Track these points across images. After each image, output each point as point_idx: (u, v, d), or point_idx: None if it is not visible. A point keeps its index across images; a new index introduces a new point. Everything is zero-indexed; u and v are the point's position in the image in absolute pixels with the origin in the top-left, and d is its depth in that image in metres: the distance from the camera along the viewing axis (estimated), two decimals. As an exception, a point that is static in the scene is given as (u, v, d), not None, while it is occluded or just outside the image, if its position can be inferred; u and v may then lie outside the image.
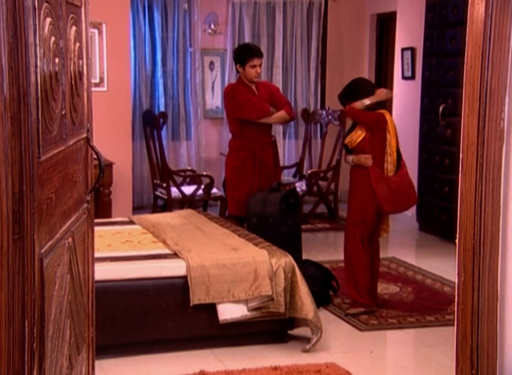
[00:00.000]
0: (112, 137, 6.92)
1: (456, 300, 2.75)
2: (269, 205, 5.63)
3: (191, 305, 4.37)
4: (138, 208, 8.12)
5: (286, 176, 8.61)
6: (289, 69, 9.33)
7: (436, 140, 7.49)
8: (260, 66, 5.96)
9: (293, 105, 9.35)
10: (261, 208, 5.64)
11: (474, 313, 2.68)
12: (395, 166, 5.12)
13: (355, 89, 5.19)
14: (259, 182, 6.00)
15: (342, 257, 5.66)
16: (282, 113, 5.99)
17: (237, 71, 6.12)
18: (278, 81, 9.21)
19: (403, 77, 8.40)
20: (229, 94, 6.00)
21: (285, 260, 4.56)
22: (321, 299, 5.27)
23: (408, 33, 8.28)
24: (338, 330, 4.93)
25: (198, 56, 8.95)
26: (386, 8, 8.94)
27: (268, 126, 6.07)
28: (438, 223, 7.47)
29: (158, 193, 7.77)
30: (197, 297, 4.37)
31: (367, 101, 5.10)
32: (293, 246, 5.52)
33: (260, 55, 5.96)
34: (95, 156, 2.85)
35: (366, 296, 5.17)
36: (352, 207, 5.28)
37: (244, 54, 5.95)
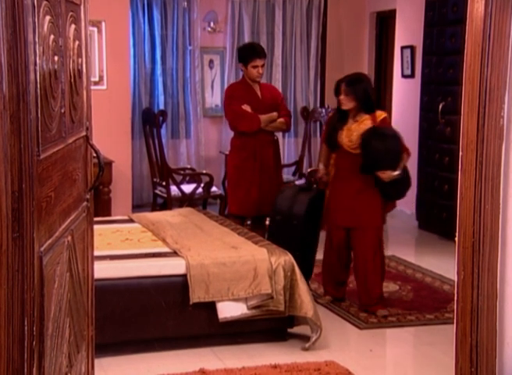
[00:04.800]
0: (112, 135, 6.92)
1: (455, 298, 2.75)
2: (297, 205, 5.46)
3: (191, 303, 4.37)
4: (138, 207, 8.11)
5: (286, 175, 8.60)
6: (288, 67, 9.32)
7: (436, 138, 7.49)
8: (262, 66, 5.97)
9: (292, 103, 9.37)
10: (288, 207, 5.49)
11: (473, 311, 2.68)
12: None
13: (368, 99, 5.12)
14: (259, 181, 5.99)
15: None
16: (280, 122, 6.04)
17: (241, 70, 6.16)
18: (277, 79, 9.21)
19: (403, 75, 8.40)
20: (228, 99, 6.06)
21: (284, 258, 4.56)
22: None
23: (408, 32, 8.28)
24: (337, 328, 4.93)
25: (198, 54, 8.94)
26: (386, 6, 8.94)
27: None
28: (437, 221, 7.47)
29: (157, 191, 7.77)
30: (196, 295, 4.37)
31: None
32: (309, 252, 5.48)
33: (263, 55, 5.99)
34: (95, 154, 2.85)
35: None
36: (370, 210, 5.15)
37: (247, 54, 5.97)
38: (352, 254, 5.29)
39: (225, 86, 9.08)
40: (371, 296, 5.15)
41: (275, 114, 6.02)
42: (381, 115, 5.15)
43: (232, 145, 6.19)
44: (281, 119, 6.05)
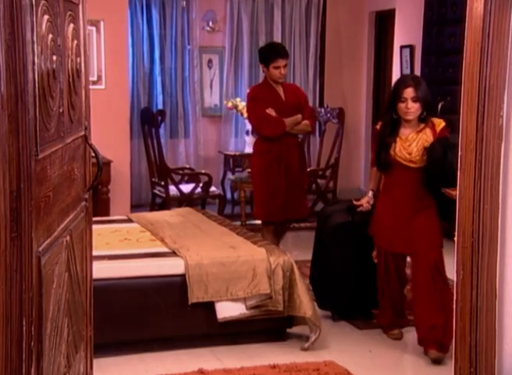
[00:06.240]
0: (110, 135, 6.91)
1: (454, 298, 2.75)
2: (328, 223, 5.02)
3: (189, 303, 4.37)
4: (136, 207, 8.10)
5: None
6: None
7: (435, 138, 7.48)
8: (284, 66, 5.73)
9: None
10: (324, 220, 5.09)
11: (472, 311, 2.67)
12: None
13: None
14: (284, 185, 5.76)
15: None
16: (305, 124, 5.81)
17: (262, 71, 5.98)
18: (276, 79, 9.21)
19: (402, 75, 8.38)
20: (250, 102, 5.86)
21: (283, 258, 4.56)
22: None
23: (407, 31, 8.28)
24: (337, 328, 4.93)
25: (196, 54, 8.94)
26: (385, 5, 8.93)
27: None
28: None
29: (156, 191, 7.76)
30: (195, 295, 4.36)
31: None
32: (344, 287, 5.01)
33: (284, 55, 5.76)
34: (93, 154, 2.84)
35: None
36: (431, 231, 4.48)
37: (268, 54, 5.74)
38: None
39: (224, 85, 9.11)
40: (425, 329, 4.46)
41: (299, 116, 5.75)
42: (440, 123, 4.46)
43: (256, 150, 5.96)
44: (306, 122, 5.80)
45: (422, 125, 4.45)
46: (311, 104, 9.28)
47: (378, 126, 4.64)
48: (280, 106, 5.72)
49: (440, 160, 4.26)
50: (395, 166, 4.47)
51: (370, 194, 4.78)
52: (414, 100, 4.38)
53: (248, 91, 6.29)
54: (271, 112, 5.67)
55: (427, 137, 4.42)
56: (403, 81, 4.54)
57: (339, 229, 4.95)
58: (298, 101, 5.85)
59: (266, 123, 5.69)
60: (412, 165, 4.43)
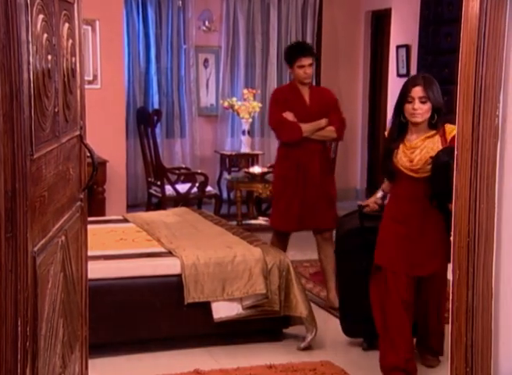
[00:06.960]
0: (106, 134, 6.90)
1: (450, 298, 2.75)
2: (339, 233, 4.60)
3: (185, 303, 4.36)
4: (132, 207, 8.09)
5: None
6: (283, 66, 9.31)
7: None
8: (310, 65, 5.31)
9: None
10: (338, 232, 4.65)
11: (468, 311, 2.67)
12: None
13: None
14: (302, 193, 5.32)
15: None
16: (329, 130, 5.33)
17: (290, 73, 5.69)
18: (272, 79, 9.21)
19: (398, 75, 8.40)
20: (270, 105, 5.53)
21: (279, 258, 4.56)
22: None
23: (403, 31, 8.28)
24: (333, 328, 4.92)
25: (192, 53, 8.94)
26: (381, 5, 8.94)
27: None
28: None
29: (152, 191, 7.76)
30: (191, 295, 4.36)
31: None
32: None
33: (308, 53, 5.34)
34: (88, 154, 2.83)
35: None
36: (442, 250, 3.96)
37: (291, 53, 5.40)
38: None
39: (220, 85, 9.11)
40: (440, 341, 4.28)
41: (322, 121, 5.28)
42: (452, 130, 3.79)
43: (277, 155, 5.61)
44: (330, 128, 5.30)
45: (433, 132, 3.95)
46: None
47: (387, 132, 4.18)
48: (302, 110, 5.31)
49: (443, 172, 3.63)
50: (399, 176, 4.01)
51: (379, 194, 4.33)
52: (423, 101, 3.88)
53: (272, 91, 5.97)
54: (287, 116, 5.28)
55: (434, 145, 3.92)
56: (412, 79, 4.03)
57: (347, 236, 4.46)
58: (325, 105, 5.38)
59: (282, 128, 5.36)
60: (414, 174, 3.94)
